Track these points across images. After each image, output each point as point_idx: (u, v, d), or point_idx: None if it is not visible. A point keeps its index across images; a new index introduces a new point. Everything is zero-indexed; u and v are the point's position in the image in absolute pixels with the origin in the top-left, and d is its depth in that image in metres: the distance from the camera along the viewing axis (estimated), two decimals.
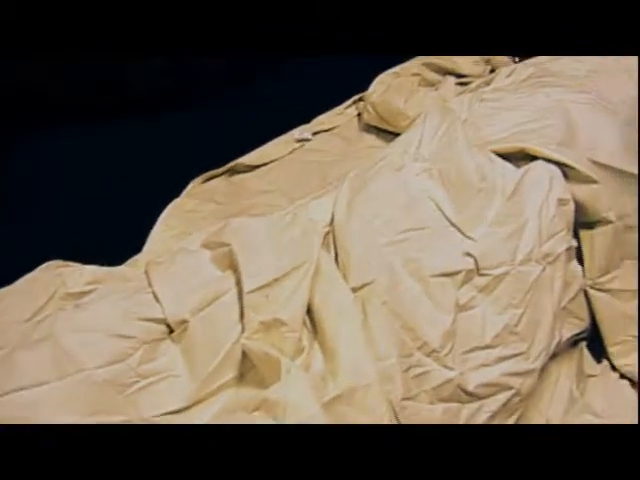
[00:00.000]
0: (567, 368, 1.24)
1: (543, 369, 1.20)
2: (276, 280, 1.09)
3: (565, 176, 1.21)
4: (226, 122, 1.76)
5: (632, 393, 1.19)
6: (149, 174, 1.64)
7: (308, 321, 1.11)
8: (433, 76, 1.76)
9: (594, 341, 1.25)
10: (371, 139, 1.72)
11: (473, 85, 1.66)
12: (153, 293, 1.13)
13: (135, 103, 1.74)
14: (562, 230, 1.16)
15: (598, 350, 1.24)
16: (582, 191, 1.20)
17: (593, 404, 1.17)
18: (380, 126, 1.70)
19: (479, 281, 1.12)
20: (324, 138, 1.76)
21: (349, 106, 1.84)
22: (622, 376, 1.22)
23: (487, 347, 1.10)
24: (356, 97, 1.82)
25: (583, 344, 1.26)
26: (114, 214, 1.51)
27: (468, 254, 1.12)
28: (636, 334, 1.22)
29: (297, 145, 1.73)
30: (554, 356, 1.23)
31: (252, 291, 1.08)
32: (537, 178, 1.18)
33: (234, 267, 1.12)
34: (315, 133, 1.77)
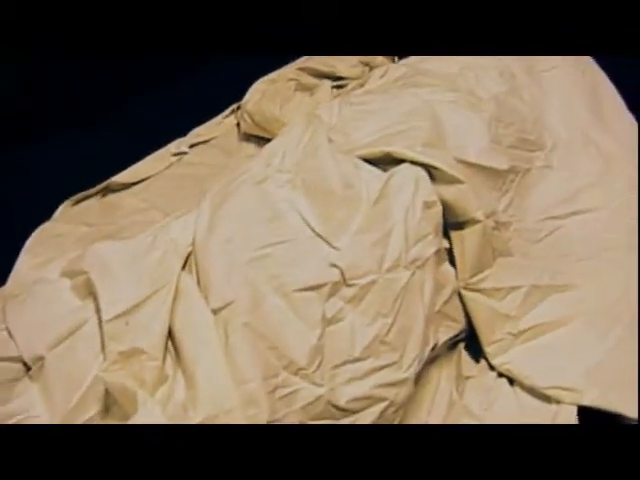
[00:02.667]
0: (447, 372, 1.22)
1: (423, 375, 1.18)
2: (136, 306, 1.05)
3: (432, 177, 1.18)
4: (99, 141, 1.68)
5: (510, 391, 1.18)
6: (17, 199, 1.56)
7: (172, 347, 1.06)
8: (310, 80, 1.73)
9: (473, 342, 1.23)
10: (251, 148, 1.67)
11: (349, 88, 1.63)
12: (7, 329, 1.07)
13: None
14: (430, 233, 1.14)
15: (477, 351, 1.22)
16: (449, 192, 1.18)
17: (471, 406, 1.16)
18: (259, 134, 1.66)
19: (346, 292, 1.09)
20: (202, 150, 1.71)
21: (228, 115, 1.79)
22: (500, 375, 1.20)
23: (357, 360, 1.07)
24: (234, 106, 1.78)
25: (461, 346, 1.24)
26: None
27: (334, 265, 1.08)
28: (511, 331, 1.20)
29: (174, 159, 1.67)
30: (434, 361, 1.21)
31: (111, 319, 1.04)
32: (402, 182, 1.16)
33: (93, 295, 1.06)
34: (193, 145, 1.71)
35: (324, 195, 1.15)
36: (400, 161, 1.21)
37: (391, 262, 1.10)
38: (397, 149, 1.18)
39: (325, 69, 1.75)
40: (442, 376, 1.21)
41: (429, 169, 1.18)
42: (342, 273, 1.07)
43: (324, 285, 1.07)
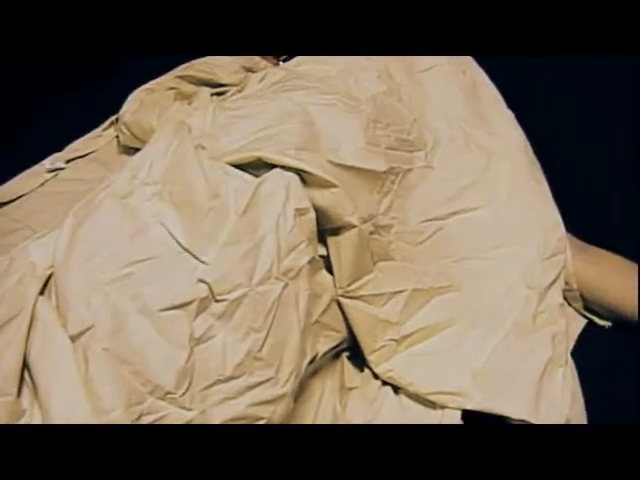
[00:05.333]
0: (331, 383, 1.18)
1: (305, 389, 1.14)
2: None
3: (305, 182, 1.14)
4: None
5: (395, 400, 1.15)
6: None
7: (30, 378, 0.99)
8: (190, 88, 1.67)
9: (356, 351, 1.19)
10: None
11: (228, 94, 1.58)
12: None
13: None
14: (303, 242, 1.10)
15: (361, 360, 1.19)
16: (323, 197, 1.14)
17: (354, 418, 1.12)
18: (138, 146, 1.58)
19: (216, 308, 1.03)
20: (80, 165, 1.64)
21: (107, 128, 1.72)
22: (385, 383, 1.16)
23: (230, 378, 1.02)
24: (113, 118, 1.70)
25: (344, 356, 1.20)
26: None
27: (201, 280, 1.03)
28: (393, 337, 1.17)
29: (49, 176, 1.59)
30: (316, 373, 1.17)
31: None
32: (272, 189, 1.11)
33: None
34: (69, 160, 1.63)
35: (191, 207, 1.09)
36: (272, 166, 1.15)
37: (262, 274, 1.05)
38: (267, 154, 1.13)
39: (205, 76, 1.69)
40: (326, 388, 1.17)
41: (301, 174, 1.13)
42: (210, 288, 1.02)
43: (191, 302, 1.01)
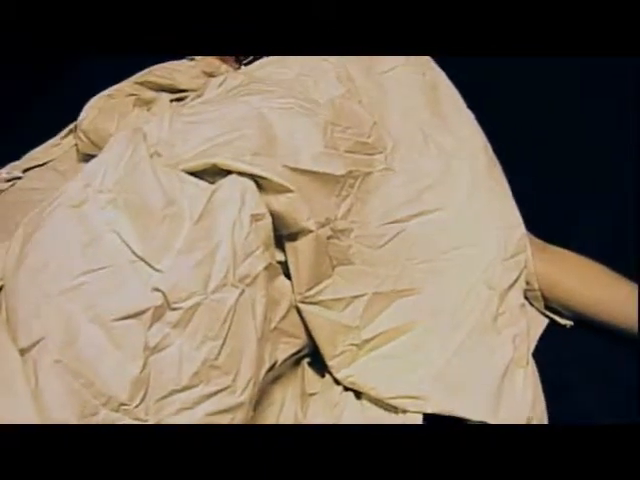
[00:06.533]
0: (292, 390, 1.17)
1: (265, 397, 1.12)
2: None
3: (261, 188, 1.13)
4: None
5: (357, 405, 1.14)
6: None
7: None
8: (150, 94, 1.65)
9: (317, 357, 1.18)
10: None
11: (187, 100, 1.56)
12: None
13: None
14: (259, 248, 1.09)
15: (323, 365, 1.17)
16: (279, 202, 1.13)
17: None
18: (97, 154, 1.56)
19: (171, 317, 1.02)
20: (38, 174, 1.62)
21: (65, 136, 1.69)
22: (346, 388, 1.15)
23: (186, 388, 1.00)
24: (72, 125, 1.68)
25: (305, 362, 1.19)
26: None
27: (156, 289, 1.01)
28: (354, 342, 1.16)
29: (6, 185, 1.56)
30: (277, 380, 1.16)
31: None
32: (227, 196, 1.10)
33: None
34: (27, 169, 1.61)
35: (145, 215, 1.07)
36: (229, 173, 1.14)
37: (217, 281, 1.03)
38: (222, 160, 1.12)
39: (165, 82, 1.68)
40: (287, 395, 1.16)
41: (257, 179, 1.12)
42: (165, 297, 1.00)
43: (146, 311, 1.00)
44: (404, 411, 1.12)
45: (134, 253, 1.05)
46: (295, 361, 1.18)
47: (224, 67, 1.77)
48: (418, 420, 1.09)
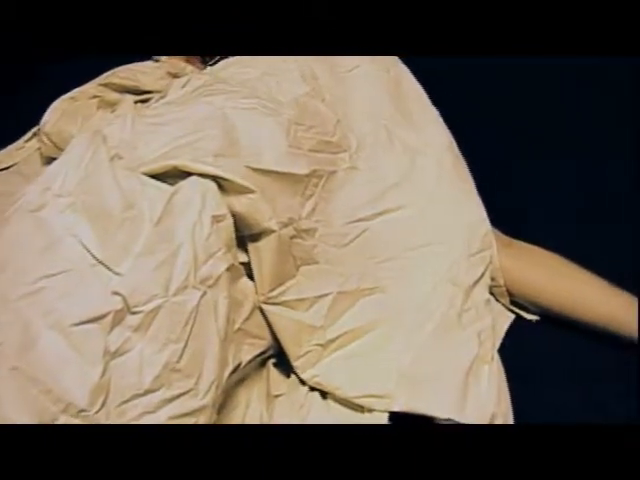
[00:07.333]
0: (257, 392, 1.17)
1: (230, 399, 1.12)
2: None
3: (222, 189, 1.12)
4: None
5: (323, 405, 1.14)
6: None
7: None
8: (114, 96, 1.63)
9: (283, 357, 1.17)
10: None
11: (152, 101, 1.55)
12: None
13: None
14: (220, 249, 1.08)
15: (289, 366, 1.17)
16: (240, 203, 1.12)
17: None
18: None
19: (132, 320, 1.00)
20: (2, 178, 1.60)
21: (29, 139, 1.68)
22: (312, 389, 1.15)
23: (148, 392, 0.99)
24: (36, 128, 1.66)
25: (270, 363, 1.18)
26: None
27: (116, 293, 1.00)
28: (319, 342, 1.15)
29: None
30: (242, 382, 1.15)
31: None
32: (188, 197, 1.09)
33: None
34: None
35: (105, 218, 1.06)
36: (191, 175, 1.13)
37: (178, 284, 1.02)
38: (182, 162, 1.11)
39: (129, 83, 1.66)
40: (252, 397, 1.15)
41: (219, 180, 1.11)
42: (125, 300, 0.99)
43: (106, 315, 0.98)
44: (370, 410, 1.11)
45: (94, 257, 1.04)
46: (260, 362, 1.18)
47: (189, 68, 1.75)
48: (384, 419, 1.09)
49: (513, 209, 1.43)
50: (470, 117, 1.61)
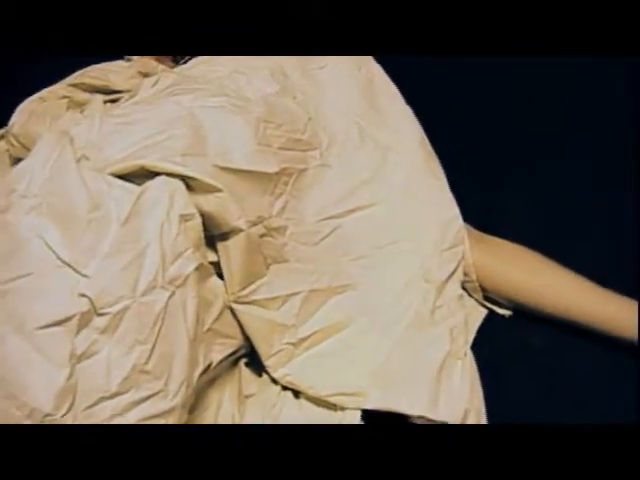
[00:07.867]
0: (229, 392, 1.16)
1: (202, 400, 1.11)
2: None
3: (190, 188, 1.11)
4: None
5: (295, 404, 1.13)
6: None
7: None
8: (84, 96, 1.61)
9: (255, 357, 1.17)
10: None
11: (122, 100, 1.53)
12: None
13: None
14: (189, 249, 1.07)
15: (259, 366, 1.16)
16: (208, 202, 1.11)
17: None
18: None
19: (99, 322, 0.99)
20: None
21: None
22: (285, 388, 1.14)
23: (116, 394, 0.98)
24: (3, 130, 1.64)
25: (242, 362, 1.17)
26: None
27: (82, 294, 0.99)
28: (290, 340, 1.14)
29: None
30: (213, 382, 1.14)
31: None
32: (155, 197, 1.08)
33: None
34: None
35: (71, 219, 1.05)
36: (159, 174, 1.12)
37: (146, 284, 1.01)
38: (150, 162, 1.10)
39: (99, 83, 1.64)
40: (224, 397, 1.14)
41: (187, 180, 1.10)
42: (92, 302, 0.98)
43: (72, 318, 0.97)
44: (343, 408, 1.10)
45: (60, 259, 1.02)
46: (232, 362, 1.17)
47: (161, 67, 1.73)
48: (357, 417, 1.08)
49: (485, 205, 1.42)
50: (443, 114, 1.60)
